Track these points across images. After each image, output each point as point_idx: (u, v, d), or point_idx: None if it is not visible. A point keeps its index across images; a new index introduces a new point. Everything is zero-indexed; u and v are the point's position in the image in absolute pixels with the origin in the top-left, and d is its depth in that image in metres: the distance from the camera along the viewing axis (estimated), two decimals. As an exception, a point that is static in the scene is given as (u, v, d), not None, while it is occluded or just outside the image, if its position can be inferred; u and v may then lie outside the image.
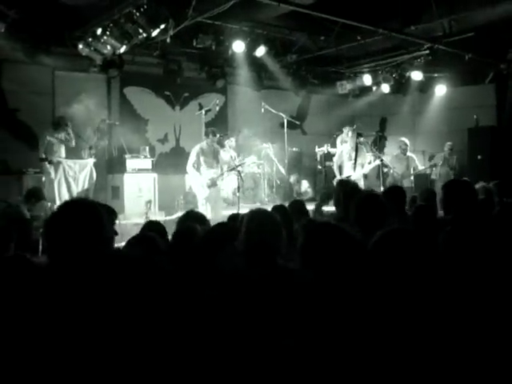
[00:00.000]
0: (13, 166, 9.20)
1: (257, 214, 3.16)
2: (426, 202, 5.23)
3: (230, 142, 11.48)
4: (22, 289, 2.16)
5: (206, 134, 9.06)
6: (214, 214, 8.46)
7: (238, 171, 8.98)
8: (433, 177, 11.65)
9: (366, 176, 10.79)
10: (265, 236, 2.94)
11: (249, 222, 3.07)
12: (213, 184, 8.81)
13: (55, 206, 8.69)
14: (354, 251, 2.34)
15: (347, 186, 5.46)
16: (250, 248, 2.95)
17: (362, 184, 9.79)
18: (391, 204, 3.96)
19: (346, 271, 2.26)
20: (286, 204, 5.80)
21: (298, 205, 5.71)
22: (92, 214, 2.33)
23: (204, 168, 8.85)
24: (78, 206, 2.39)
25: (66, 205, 2.45)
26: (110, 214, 3.78)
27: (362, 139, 11.16)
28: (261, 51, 10.34)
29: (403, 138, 11.47)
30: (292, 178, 12.52)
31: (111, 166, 10.69)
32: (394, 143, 13.40)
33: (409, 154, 11.36)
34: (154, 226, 4.34)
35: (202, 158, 8.85)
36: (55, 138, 9.24)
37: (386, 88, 12.57)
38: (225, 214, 8.41)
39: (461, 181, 5.24)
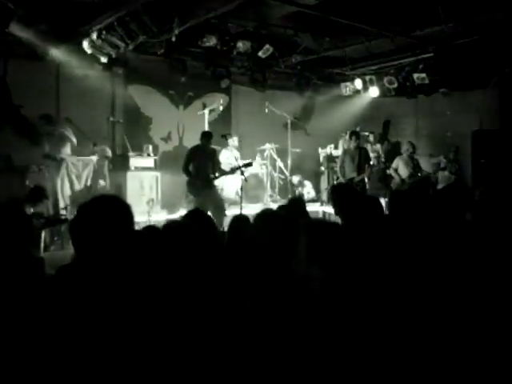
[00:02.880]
0: (16, 163, 9.21)
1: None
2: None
3: (233, 142, 11.47)
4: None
5: (201, 136, 9.04)
6: (216, 215, 8.33)
7: (242, 171, 8.94)
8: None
9: (369, 178, 10.78)
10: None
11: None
12: (206, 187, 8.72)
13: (60, 204, 8.76)
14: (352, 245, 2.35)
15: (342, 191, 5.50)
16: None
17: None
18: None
19: (350, 265, 2.27)
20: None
21: (298, 203, 5.71)
22: (123, 210, 2.32)
23: (198, 170, 8.79)
24: (109, 201, 2.35)
25: (96, 200, 2.37)
26: None
27: (366, 140, 11.18)
28: (265, 51, 10.33)
29: (410, 140, 11.46)
30: (295, 179, 12.52)
31: (114, 163, 10.70)
32: (397, 146, 13.44)
33: (415, 156, 11.32)
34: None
35: (195, 160, 8.81)
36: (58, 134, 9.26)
37: (374, 92, 12.58)
38: (228, 214, 8.41)
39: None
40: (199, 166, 8.85)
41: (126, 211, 2.30)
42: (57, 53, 9.41)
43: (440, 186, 10.31)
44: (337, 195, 5.49)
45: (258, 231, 2.99)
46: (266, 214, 3.11)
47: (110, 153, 9.85)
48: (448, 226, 3.51)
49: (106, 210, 2.24)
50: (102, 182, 9.54)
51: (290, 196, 11.48)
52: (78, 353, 1.79)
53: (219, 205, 8.86)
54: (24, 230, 4.03)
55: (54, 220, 7.06)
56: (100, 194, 2.49)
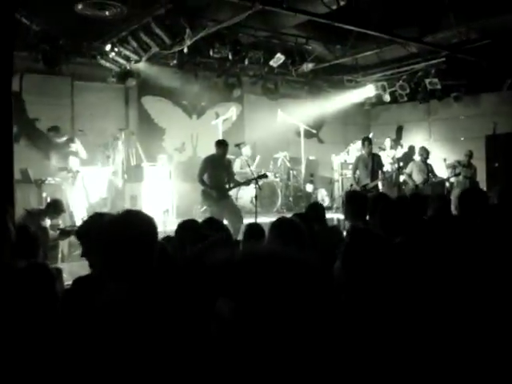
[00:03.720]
0: (33, 175, 9.32)
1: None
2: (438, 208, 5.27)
3: (246, 151, 11.47)
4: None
5: (217, 145, 9.01)
6: (232, 223, 8.34)
7: (256, 180, 8.93)
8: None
9: (383, 184, 10.76)
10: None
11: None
12: (223, 195, 8.74)
13: (75, 215, 8.84)
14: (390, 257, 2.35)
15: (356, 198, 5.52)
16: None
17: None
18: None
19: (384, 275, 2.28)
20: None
21: (316, 209, 5.72)
22: (149, 226, 2.35)
23: (213, 180, 8.77)
24: (135, 217, 2.36)
25: (122, 216, 2.38)
26: None
27: (378, 146, 11.16)
28: (277, 60, 10.39)
29: (423, 146, 11.41)
30: (309, 187, 12.52)
31: (129, 174, 10.78)
32: (411, 150, 13.41)
33: (428, 161, 11.25)
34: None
35: (210, 170, 8.79)
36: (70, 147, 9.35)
37: (386, 98, 12.68)
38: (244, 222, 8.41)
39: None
40: (214, 176, 8.85)
41: (151, 226, 2.33)
42: (71, 66, 9.54)
43: (456, 191, 10.26)
44: (348, 202, 5.53)
45: (273, 239, 3.03)
46: (281, 222, 3.14)
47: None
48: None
49: (134, 225, 2.26)
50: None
51: (303, 204, 11.48)
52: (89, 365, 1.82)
53: (236, 213, 8.86)
54: (38, 242, 4.09)
55: (69, 230, 7.12)
56: (125, 209, 2.50)
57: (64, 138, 9.38)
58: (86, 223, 3.40)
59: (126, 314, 1.89)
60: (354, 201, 5.43)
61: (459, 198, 4.42)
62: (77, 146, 9.42)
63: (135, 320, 1.85)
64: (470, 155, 11.69)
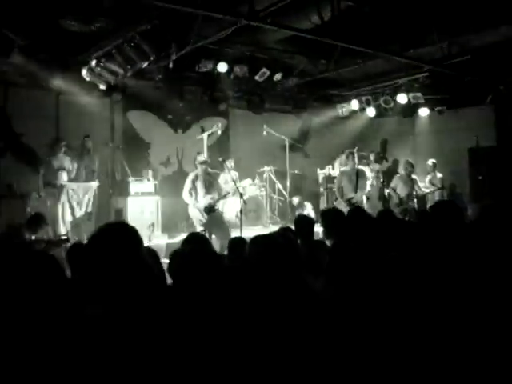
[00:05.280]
0: (17, 189, 9.26)
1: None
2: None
3: (230, 164, 11.46)
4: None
5: (200, 163, 9.09)
6: (220, 238, 8.46)
7: (241, 194, 9.01)
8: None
9: (368, 198, 10.81)
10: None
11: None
12: (211, 210, 8.82)
13: (59, 230, 8.79)
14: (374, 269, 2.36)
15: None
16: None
17: (364, 206, 9.84)
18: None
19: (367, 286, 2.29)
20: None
21: (303, 223, 5.72)
22: (132, 238, 2.34)
23: (201, 194, 8.87)
24: (117, 229, 2.38)
25: (105, 228, 2.40)
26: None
27: (363, 161, 11.22)
28: (262, 75, 10.45)
29: (408, 159, 11.48)
30: (295, 200, 12.55)
31: (114, 188, 10.75)
32: (395, 164, 13.52)
33: (413, 175, 11.32)
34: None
35: (197, 185, 8.89)
36: (56, 161, 9.34)
37: (371, 112, 12.79)
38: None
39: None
40: (200, 192, 8.93)
41: (134, 237, 2.33)
42: (56, 81, 9.53)
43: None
44: (325, 219, 5.60)
45: (251, 256, 3.06)
46: (257, 239, 3.18)
47: None
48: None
49: (116, 237, 2.27)
50: None
51: (289, 217, 11.51)
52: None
53: (223, 228, 8.91)
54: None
55: (56, 241, 7.07)
56: (107, 222, 2.50)
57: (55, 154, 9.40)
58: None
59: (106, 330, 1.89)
60: (327, 218, 5.50)
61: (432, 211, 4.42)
62: (67, 161, 9.45)
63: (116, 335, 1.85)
64: (434, 166, 11.86)
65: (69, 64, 9.38)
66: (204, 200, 8.83)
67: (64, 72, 9.50)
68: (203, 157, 9.49)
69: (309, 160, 14.19)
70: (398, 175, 11.48)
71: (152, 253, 4.26)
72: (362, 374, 1.98)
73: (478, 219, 4.03)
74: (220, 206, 9.84)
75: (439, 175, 11.96)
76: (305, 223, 5.65)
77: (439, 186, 11.58)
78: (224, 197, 9.28)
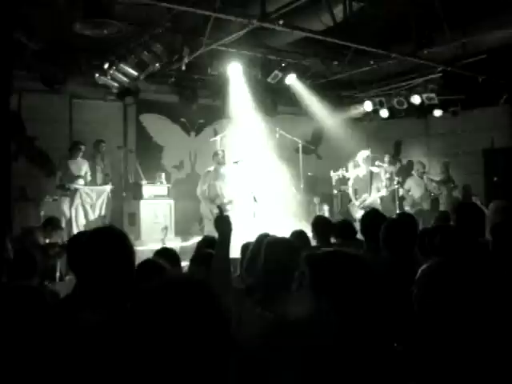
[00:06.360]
0: (31, 193, 9.31)
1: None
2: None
3: (242, 163, 11.39)
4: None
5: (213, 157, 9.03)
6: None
7: (254, 196, 8.97)
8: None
9: (381, 199, 10.75)
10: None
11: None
12: (222, 210, 8.77)
13: (72, 233, 8.82)
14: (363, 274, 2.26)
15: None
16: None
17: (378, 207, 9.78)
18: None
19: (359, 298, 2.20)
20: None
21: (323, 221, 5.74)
22: (122, 244, 2.32)
23: (213, 194, 8.81)
24: (108, 235, 2.36)
25: (96, 234, 2.40)
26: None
27: (376, 162, 11.16)
28: (274, 77, 10.43)
29: (421, 161, 11.41)
30: (315, 199, 12.49)
31: (128, 192, 10.77)
32: (409, 166, 13.43)
33: (425, 176, 11.25)
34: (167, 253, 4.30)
35: (210, 183, 8.83)
36: (74, 164, 9.38)
37: (384, 113, 12.70)
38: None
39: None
40: (213, 190, 8.91)
41: (122, 243, 2.31)
42: (70, 85, 9.57)
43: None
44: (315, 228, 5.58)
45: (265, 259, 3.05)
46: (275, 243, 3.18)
47: None
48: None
49: (102, 244, 2.26)
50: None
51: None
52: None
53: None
54: (35, 261, 4.03)
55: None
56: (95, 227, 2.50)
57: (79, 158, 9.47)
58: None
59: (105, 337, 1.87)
60: (317, 227, 5.47)
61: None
62: (85, 165, 9.51)
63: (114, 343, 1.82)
64: (447, 168, 11.75)
65: (82, 68, 9.42)
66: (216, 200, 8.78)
67: (77, 76, 9.55)
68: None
69: (322, 162, 14.12)
70: (411, 177, 11.43)
71: (171, 252, 4.27)
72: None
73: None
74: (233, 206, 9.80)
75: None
76: (324, 224, 5.64)
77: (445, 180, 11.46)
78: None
